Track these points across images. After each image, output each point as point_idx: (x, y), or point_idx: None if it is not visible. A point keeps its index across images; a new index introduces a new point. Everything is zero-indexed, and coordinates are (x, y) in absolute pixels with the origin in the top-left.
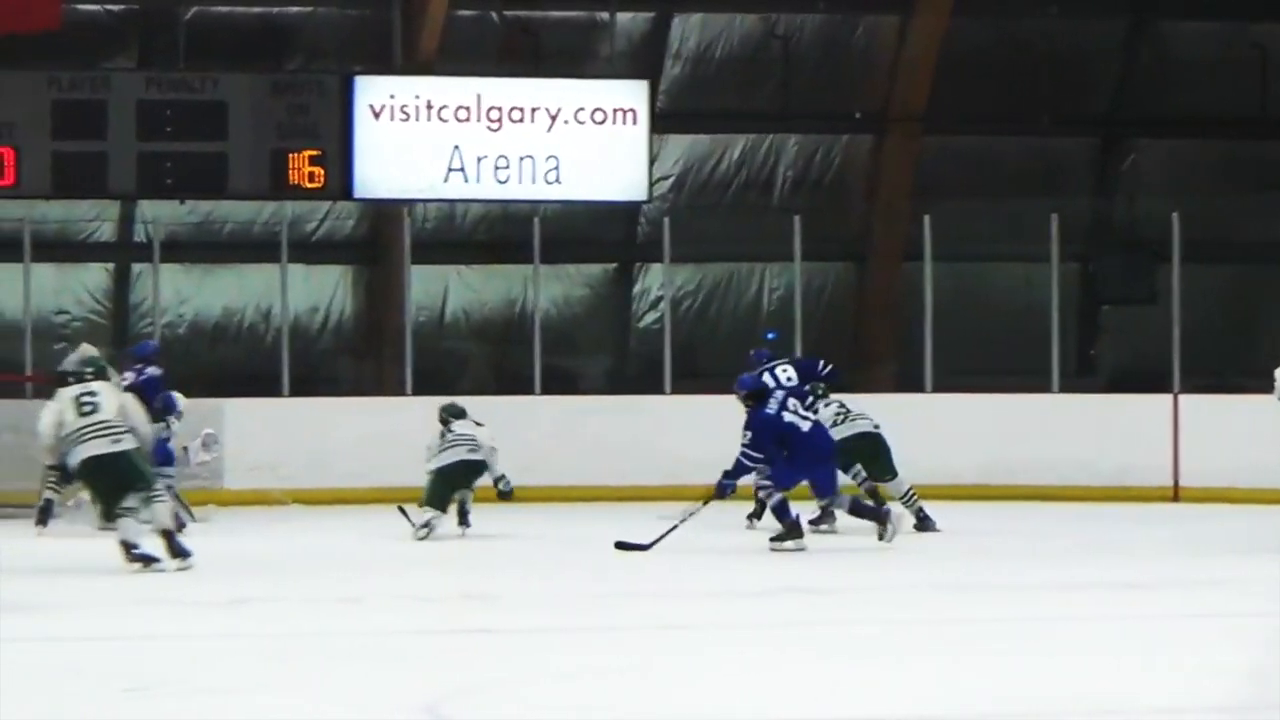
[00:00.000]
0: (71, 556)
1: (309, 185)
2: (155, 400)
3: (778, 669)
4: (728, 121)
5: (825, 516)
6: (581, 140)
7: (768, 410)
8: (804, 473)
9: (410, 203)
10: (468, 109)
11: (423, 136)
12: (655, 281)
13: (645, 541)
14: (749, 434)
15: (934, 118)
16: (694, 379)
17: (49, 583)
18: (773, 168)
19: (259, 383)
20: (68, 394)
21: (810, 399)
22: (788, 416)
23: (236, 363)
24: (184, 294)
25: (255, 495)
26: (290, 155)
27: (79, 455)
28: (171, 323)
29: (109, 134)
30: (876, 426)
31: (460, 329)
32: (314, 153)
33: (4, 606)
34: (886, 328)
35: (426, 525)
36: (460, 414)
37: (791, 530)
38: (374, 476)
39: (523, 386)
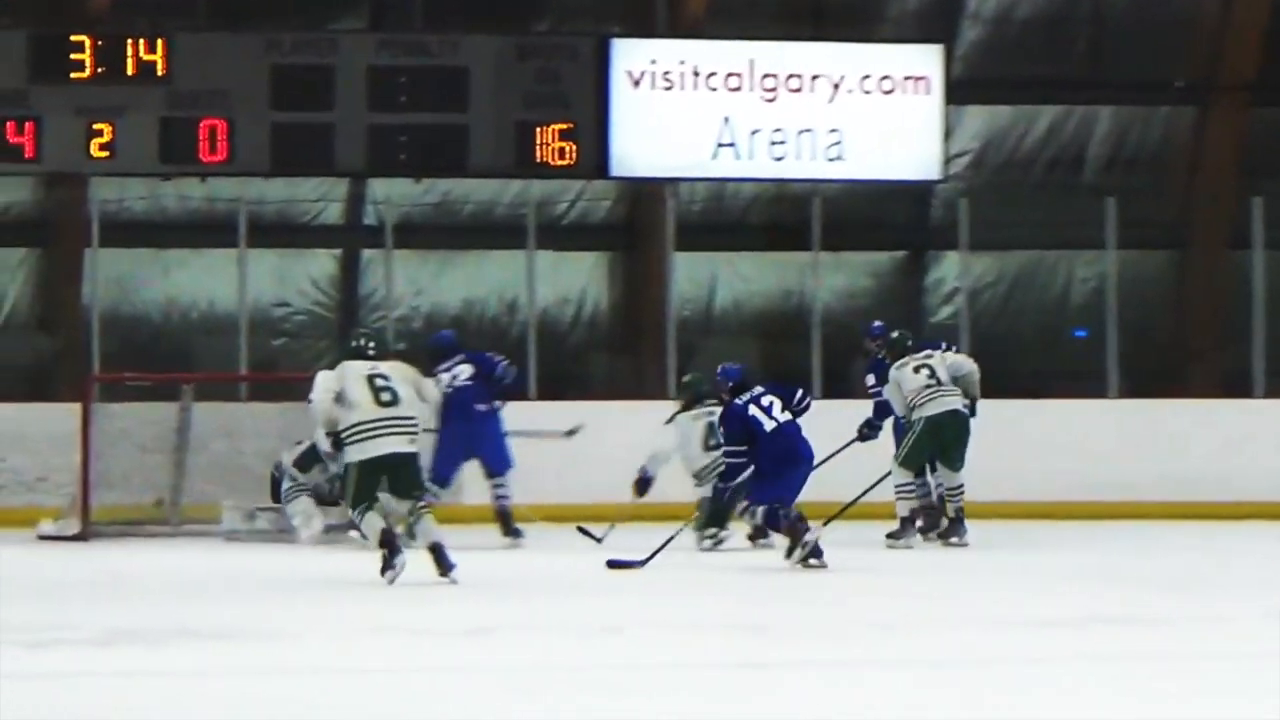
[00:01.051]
0: (291, 577)
1: (559, 162)
2: None
3: (1110, 704)
4: (1032, 91)
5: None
6: (867, 112)
7: (737, 402)
8: (775, 481)
9: (674, 182)
10: (739, 76)
11: (688, 107)
12: (950, 271)
13: (639, 559)
14: (723, 431)
15: (1265, 88)
16: (992, 380)
17: (273, 608)
18: (1083, 143)
19: None
20: (355, 369)
21: (799, 403)
22: (752, 410)
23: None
24: (419, 284)
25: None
26: (538, 128)
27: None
28: (405, 316)
29: (336, 104)
30: (966, 406)
31: (729, 323)
32: (565, 126)
33: (227, 633)
34: (1210, 324)
35: (714, 538)
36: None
37: (796, 531)
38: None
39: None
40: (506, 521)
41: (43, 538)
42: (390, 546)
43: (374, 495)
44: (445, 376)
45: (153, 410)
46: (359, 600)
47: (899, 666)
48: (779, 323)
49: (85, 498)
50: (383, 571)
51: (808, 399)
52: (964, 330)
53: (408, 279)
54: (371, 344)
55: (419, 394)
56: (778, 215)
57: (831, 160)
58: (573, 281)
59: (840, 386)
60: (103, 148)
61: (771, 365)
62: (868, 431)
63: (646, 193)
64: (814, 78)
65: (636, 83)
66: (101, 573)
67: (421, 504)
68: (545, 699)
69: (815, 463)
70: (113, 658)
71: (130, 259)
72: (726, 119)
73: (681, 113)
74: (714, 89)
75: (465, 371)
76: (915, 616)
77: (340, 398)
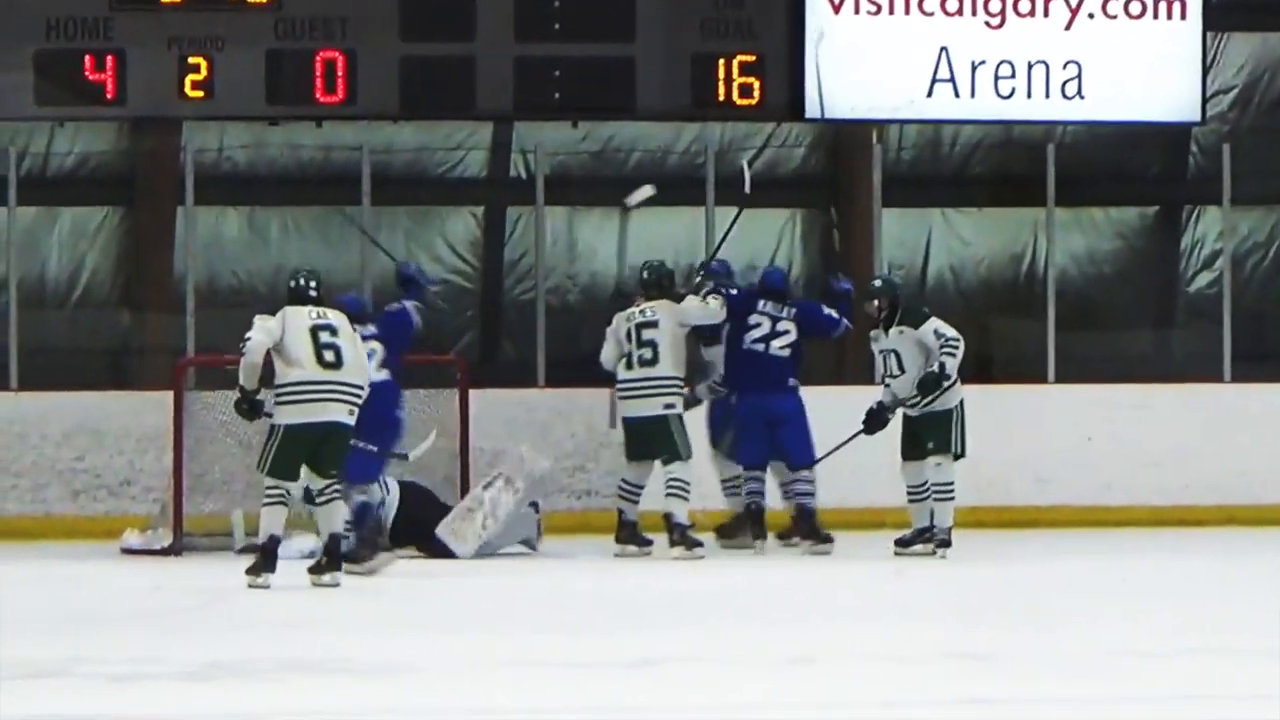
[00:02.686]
0: (419, 601)
1: (743, 102)
2: None
3: None
4: None
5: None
6: (1112, 41)
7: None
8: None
9: (881, 125)
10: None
11: (899, 36)
12: (1212, 230)
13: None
14: None
15: None
16: (1260, 362)
17: (396, 636)
18: None
19: None
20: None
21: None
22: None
23: None
24: (577, 246)
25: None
26: (719, 61)
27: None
28: (559, 286)
29: (477, 34)
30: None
31: (946, 292)
32: (750, 58)
33: (341, 667)
34: None
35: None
36: None
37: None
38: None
39: (1030, 369)
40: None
41: (127, 551)
42: (269, 555)
43: (294, 470)
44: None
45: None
46: (496, 628)
47: (1155, 702)
48: (1005, 292)
49: (178, 505)
50: (250, 573)
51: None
52: (1226, 300)
53: (563, 240)
54: (313, 284)
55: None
56: (1004, 165)
57: (1069, 99)
58: (762, 243)
59: (1076, 370)
60: (198, 87)
61: (995, 341)
62: None
63: (848, 138)
64: (1048, 0)
65: (837, 8)
66: (197, 594)
67: (335, 486)
68: None
69: None
70: (209, 695)
71: (231, 220)
72: (944, 50)
73: (890, 43)
74: (929, 14)
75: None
76: (1168, 640)
77: (279, 349)
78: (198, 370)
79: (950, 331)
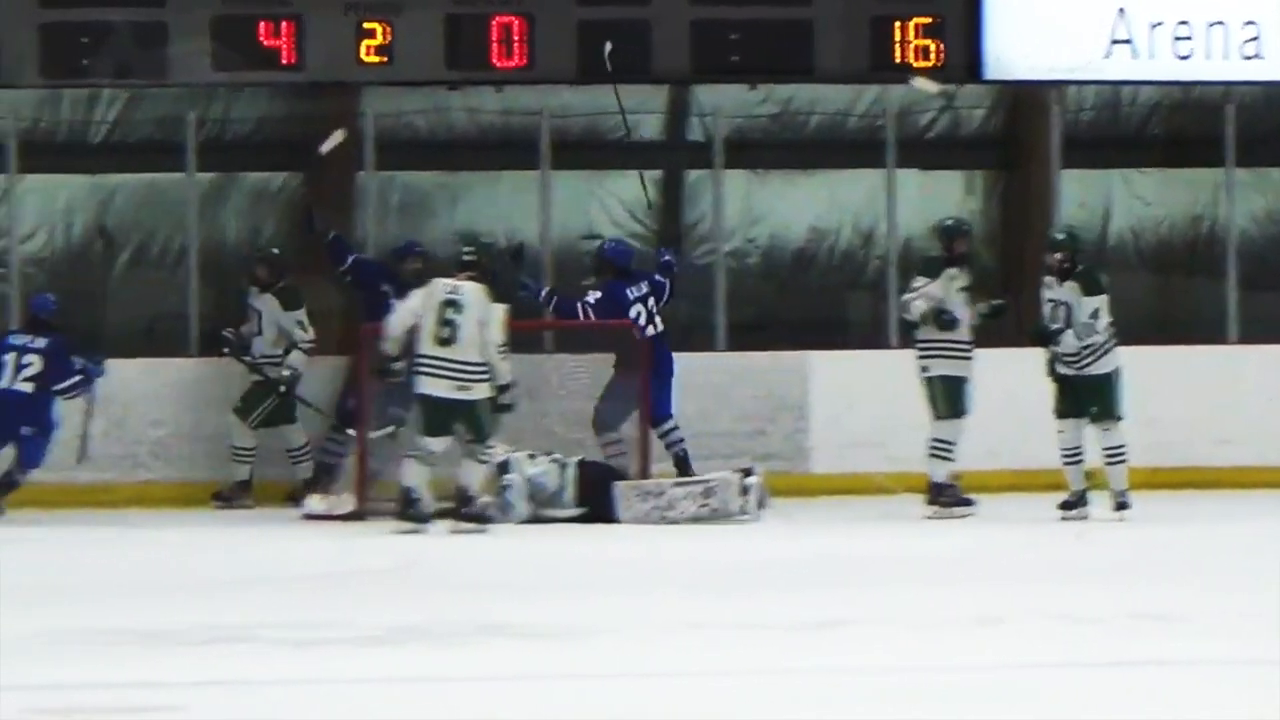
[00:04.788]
0: (602, 564)
1: (921, 64)
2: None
3: None
4: None
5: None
6: None
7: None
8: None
9: (1060, 86)
10: None
11: None
12: None
13: None
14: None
15: None
16: None
17: (580, 600)
18: None
19: (856, 328)
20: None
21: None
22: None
23: (827, 300)
24: (756, 210)
25: (853, 480)
26: (896, 23)
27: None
28: (739, 249)
29: None
30: None
31: (1126, 253)
32: (927, 20)
33: (525, 631)
34: None
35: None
36: None
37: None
38: (1013, 455)
39: (1212, 329)
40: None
41: (310, 517)
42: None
43: (434, 432)
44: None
45: None
46: (679, 591)
47: None
48: (1185, 253)
49: (362, 469)
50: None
51: None
52: None
53: (742, 204)
54: (468, 251)
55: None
56: (1184, 125)
57: (1248, 59)
58: (941, 206)
59: (1261, 330)
60: (377, 52)
61: (1176, 302)
62: None
63: (1027, 100)
64: None
65: None
66: (380, 559)
67: (478, 449)
68: (904, 707)
69: None
70: (393, 659)
71: (410, 184)
72: (1122, 10)
73: (1068, 4)
74: None
75: None
76: None
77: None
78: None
79: (1102, 321)
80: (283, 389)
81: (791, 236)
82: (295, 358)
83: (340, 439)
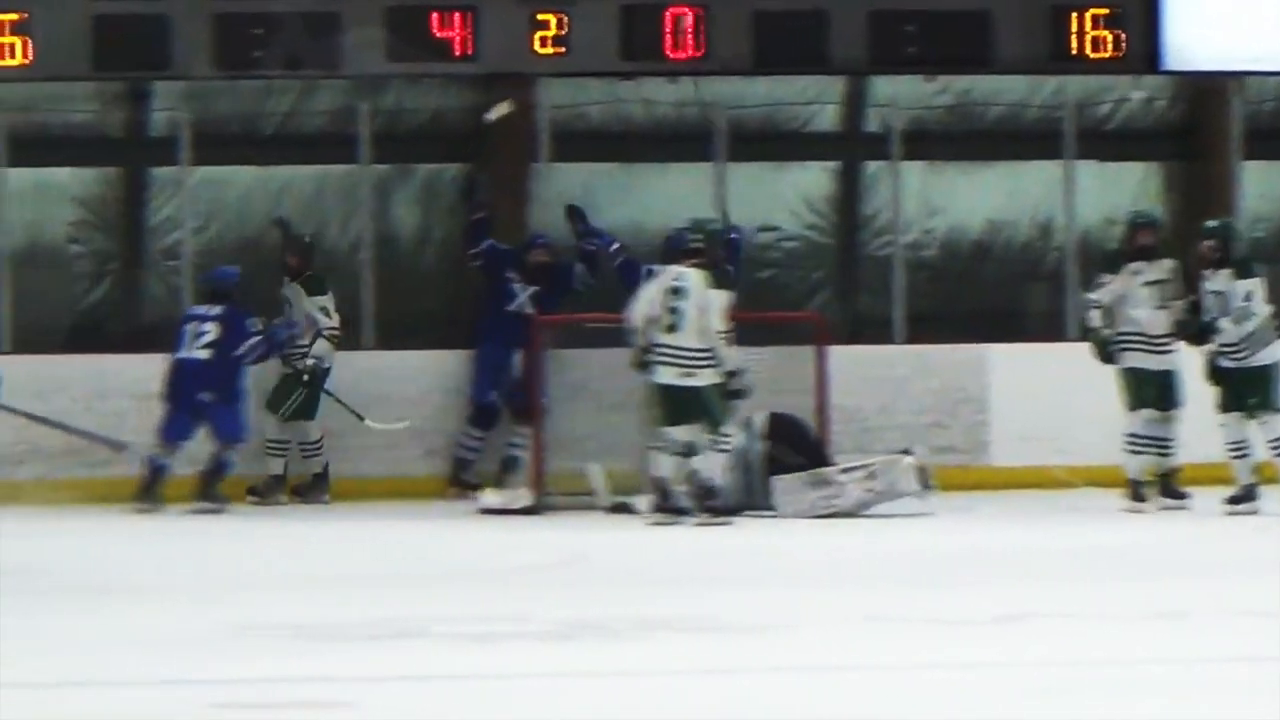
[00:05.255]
0: (779, 557)
1: (1098, 55)
2: None
3: None
4: None
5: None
6: None
7: None
8: None
9: (1240, 76)
10: None
11: None
12: None
13: None
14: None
15: None
16: None
17: (757, 594)
18: None
19: (1032, 320)
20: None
21: None
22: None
23: (1005, 292)
24: (934, 202)
25: (1029, 474)
26: (1075, 14)
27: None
28: (917, 241)
29: None
30: None
31: None
32: (1106, 10)
33: (703, 625)
34: None
35: None
36: None
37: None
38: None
39: None
40: None
41: (486, 511)
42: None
43: (667, 422)
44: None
45: (616, 359)
46: (860, 584)
47: None
48: None
49: (538, 464)
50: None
51: None
52: None
53: (920, 196)
54: (694, 238)
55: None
56: None
57: None
58: (1120, 197)
59: None
60: (551, 43)
61: None
62: None
63: (1207, 90)
64: None
65: None
66: (557, 553)
67: (716, 438)
68: (1087, 701)
69: None
70: (571, 654)
71: (586, 176)
72: None
73: None
74: None
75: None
76: None
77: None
78: (555, 329)
79: (1258, 304)
80: (306, 379)
81: (969, 229)
82: (320, 347)
83: (520, 432)
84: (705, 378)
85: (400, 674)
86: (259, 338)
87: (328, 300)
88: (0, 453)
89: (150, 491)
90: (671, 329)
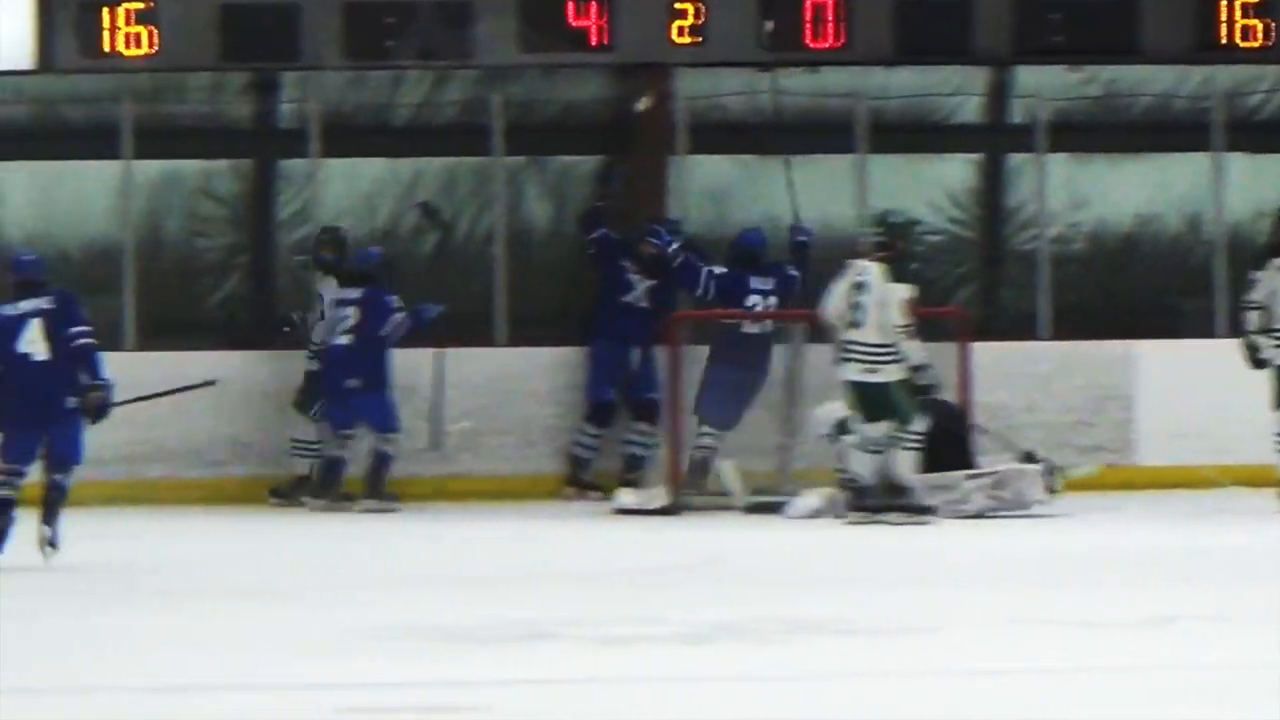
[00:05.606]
0: (921, 559)
1: (1247, 44)
2: None
3: None
4: None
5: None
6: None
7: None
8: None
9: None
10: None
11: None
12: None
13: None
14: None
15: None
16: None
17: (901, 596)
18: None
19: (1183, 316)
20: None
21: None
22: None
23: (1153, 287)
24: (1079, 194)
25: (1177, 473)
26: (1222, 2)
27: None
28: (1062, 235)
29: None
30: None
31: None
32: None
33: (845, 628)
34: None
35: None
36: None
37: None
38: None
39: None
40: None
41: (621, 512)
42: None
43: (868, 413)
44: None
45: None
46: (1001, 585)
47: None
48: None
49: (675, 462)
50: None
51: None
52: None
53: (1065, 188)
54: (878, 231)
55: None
56: None
57: None
58: (1270, 190)
59: None
60: (689, 32)
61: None
62: None
63: None
64: None
65: None
66: (694, 554)
67: (902, 436)
68: (1242, 705)
69: None
70: (708, 658)
71: (724, 168)
72: None
73: None
74: None
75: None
76: None
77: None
78: (693, 325)
79: None
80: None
81: (1116, 222)
82: None
83: (648, 432)
84: (889, 373)
85: (532, 678)
86: (402, 315)
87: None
88: (127, 452)
89: (328, 488)
90: (854, 325)
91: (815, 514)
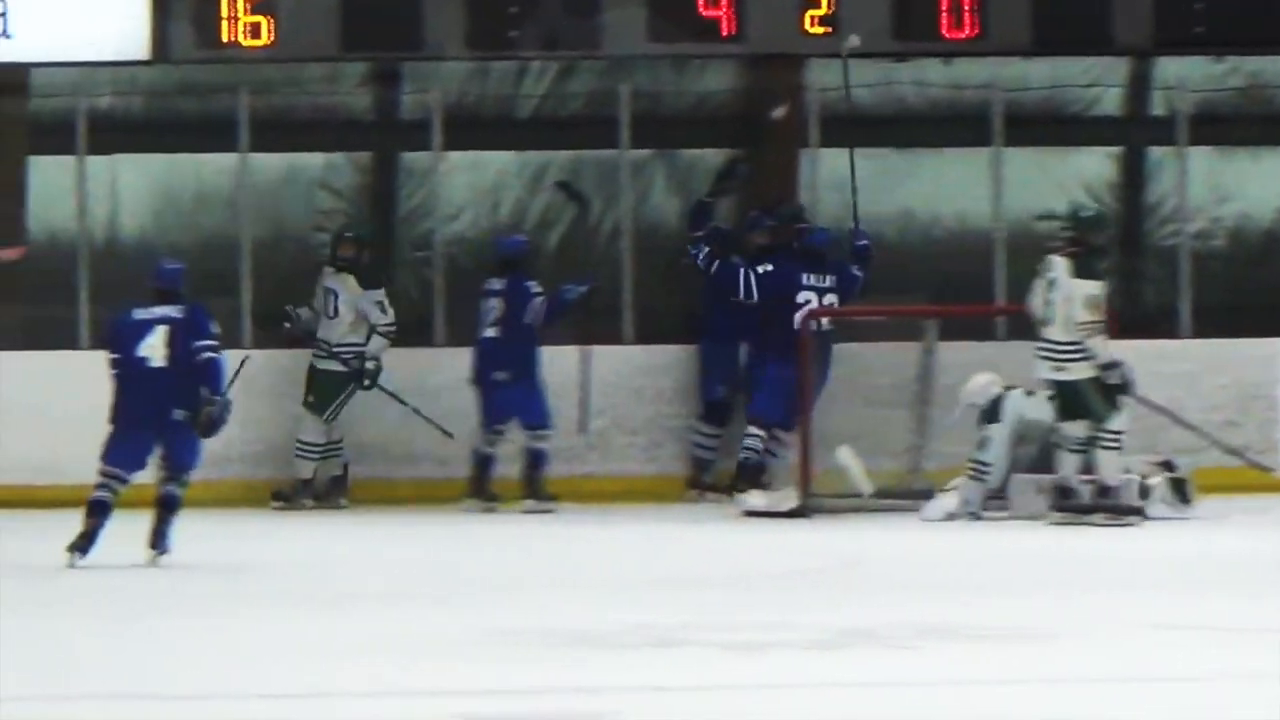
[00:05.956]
0: (1055, 561)
1: None
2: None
3: None
4: None
5: None
6: None
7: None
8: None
9: None
10: None
11: None
12: None
13: None
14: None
15: None
16: None
17: (1036, 601)
18: None
19: None
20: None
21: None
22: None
23: None
24: (1223, 188)
25: None
26: None
27: None
28: (1205, 230)
29: None
30: None
31: None
32: None
33: (980, 634)
34: None
35: None
36: None
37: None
38: None
39: None
40: None
41: (750, 514)
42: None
43: (1066, 413)
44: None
45: (888, 353)
46: (1136, 590)
47: None
48: None
49: (805, 463)
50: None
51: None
52: None
53: (1207, 182)
54: (1064, 225)
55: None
56: None
57: None
58: None
59: None
60: (821, 22)
61: None
62: None
63: None
64: None
65: None
66: (826, 558)
67: (1102, 438)
68: None
69: None
70: (841, 664)
71: (859, 162)
72: None
73: None
74: None
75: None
76: None
77: None
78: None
79: None
80: (367, 383)
81: (1260, 217)
82: (377, 344)
83: (779, 436)
84: (1077, 371)
85: (660, 684)
86: (540, 299)
87: (383, 294)
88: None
89: (479, 488)
90: (1045, 322)
91: (950, 516)
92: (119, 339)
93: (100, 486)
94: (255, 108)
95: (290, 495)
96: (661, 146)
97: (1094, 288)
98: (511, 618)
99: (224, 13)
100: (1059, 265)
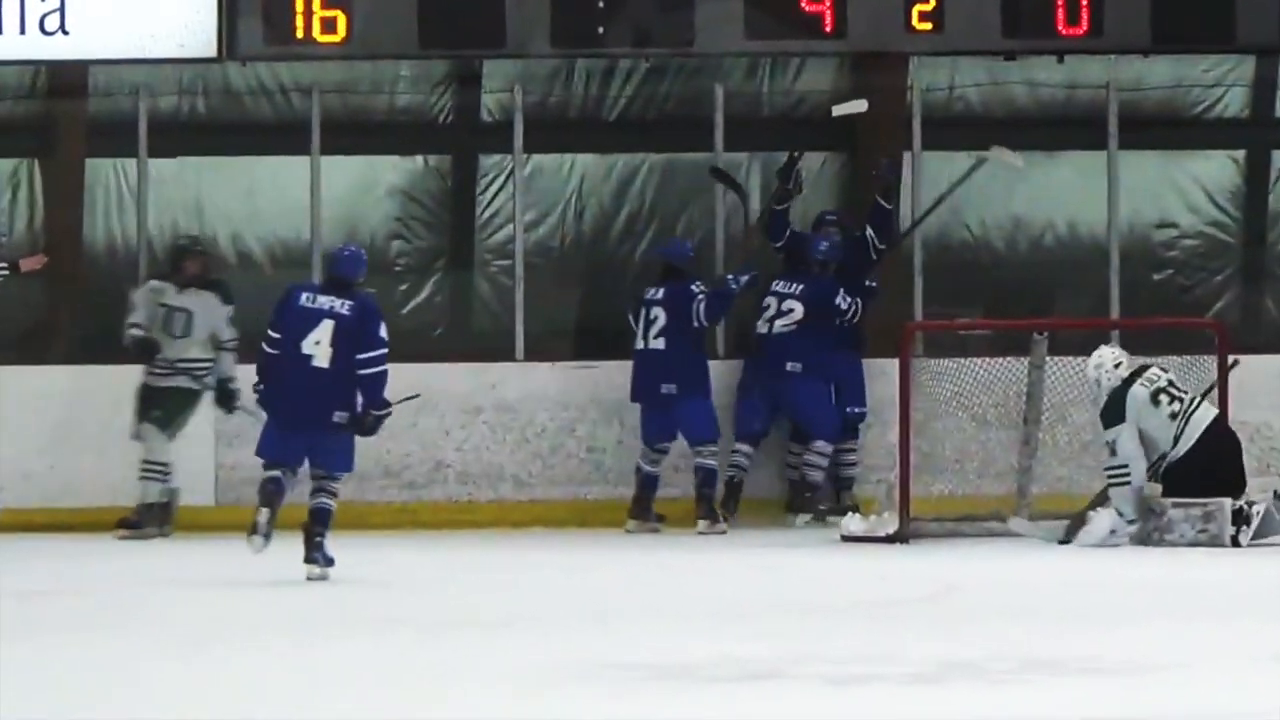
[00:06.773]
0: (1167, 589)
1: None
2: None
3: None
4: None
5: None
6: None
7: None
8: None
9: None
10: None
11: None
12: None
13: None
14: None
15: None
16: None
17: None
18: None
19: None
20: None
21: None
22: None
23: None
24: None
25: None
26: None
27: None
28: None
29: None
30: None
31: None
32: None
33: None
34: None
35: None
36: None
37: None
38: None
39: None
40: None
41: (848, 539)
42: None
43: None
44: None
45: (994, 368)
46: (1251, 619)
47: None
48: None
49: (905, 485)
50: None
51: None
52: None
53: None
54: None
55: None
56: None
57: None
58: None
59: None
60: (926, 18)
61: None
62: None
63: None
64: None
65: None
66: (926, 586)
67: None
68: None
69: None
70: (939, 699)
71: (962, 164)
72: None
73: None
74: None
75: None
76: None
77: None
78: (925, 335)
79: None
80: (237, 405)
81: None
82: (230, 362)
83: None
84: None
85: (761, 718)
86: (702, 297)
87: (231, 310)
88: None
89: (642, 509)
90: None
91: (1107, 539)
92: (283, 321)
93: (269, 470)
94: (328, 108)
95: (136, 522)
96: (757, 149)
97: None
98: (600, 647)
99: (298, 6)
100: None
